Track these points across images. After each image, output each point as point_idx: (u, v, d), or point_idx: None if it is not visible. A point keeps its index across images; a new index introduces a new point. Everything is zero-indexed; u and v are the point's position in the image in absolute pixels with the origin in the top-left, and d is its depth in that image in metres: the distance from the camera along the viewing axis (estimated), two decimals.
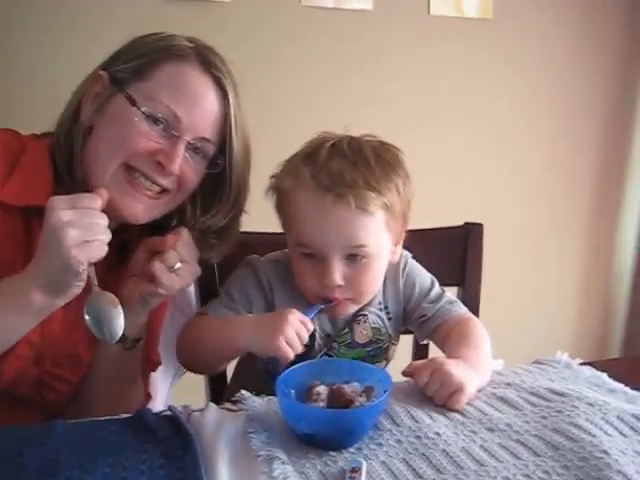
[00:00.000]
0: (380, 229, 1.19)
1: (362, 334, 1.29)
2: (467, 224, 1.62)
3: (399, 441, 0.97)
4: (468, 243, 1.61)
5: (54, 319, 1.17)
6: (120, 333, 1.04)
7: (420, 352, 1.55)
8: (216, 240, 1.27)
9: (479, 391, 1.13)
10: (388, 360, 1.36)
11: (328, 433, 0.94)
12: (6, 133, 1.23)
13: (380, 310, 1.31)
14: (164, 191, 1.19)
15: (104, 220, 1.02)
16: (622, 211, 2.85)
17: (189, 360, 1.27)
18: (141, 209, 1.17)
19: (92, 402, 1.25)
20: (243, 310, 1.25)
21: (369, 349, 1.30)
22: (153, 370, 1.40)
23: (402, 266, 1.33)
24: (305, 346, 1.18)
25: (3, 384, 1.16)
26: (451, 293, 1.57)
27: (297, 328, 1.10)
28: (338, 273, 1.17)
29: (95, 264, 1.03)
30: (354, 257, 1.18)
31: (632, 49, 2.70)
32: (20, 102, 1.95)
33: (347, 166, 1.15)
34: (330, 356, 1.28)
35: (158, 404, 1.53)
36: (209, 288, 1.41)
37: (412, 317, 1.34)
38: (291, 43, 2.24)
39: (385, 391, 1.00)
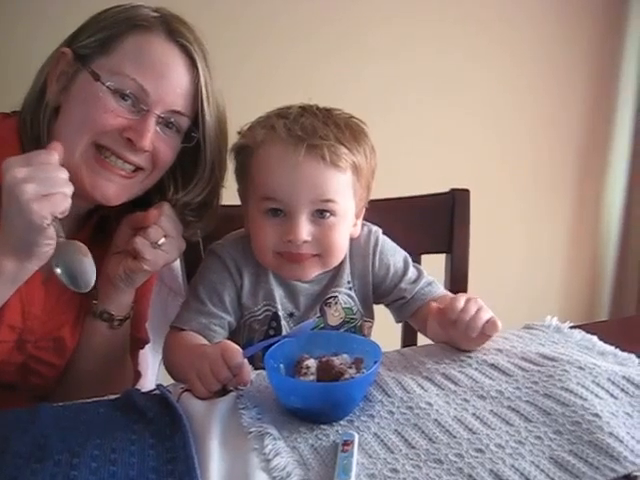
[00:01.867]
0: (348, 189, 1.17)
1: (334, 316, 1.26)
2: (453, 190, 1.60)
3: (391, 412, 0.97)
4: (455, 210, 1.59)
5: (35, 301, 1.15)
6: (93, 279, 1.00)
7: (410, 337, 1.55)
8: (194, 217, 1.24)
9: (469, 357, 1.12)
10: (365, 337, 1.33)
11: (319, 406, 0.94)
12: None
13: (350, 289, 1.28)
14: (138, 169, 1.15)
15: (63, 173, 0.98)
16: (608, 173, 2.82)
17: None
18: (114, 189, 1.13)
19: (80, 384, 1.23)
20: (215, 309, 1.22)
21: (343, 330, 1.27)
22: (141, 348, 1.39)
23: (372, 243, 1.30)
24: (272, 328, 1.19)
25: None
26: (438, 262, 1.60)
27: (214, 364, 0.98)
28: (305, 228, 1.14)
29: (62, 220, 0.99)
30: (321, 214, 1.16)
31: (614, 14, 2.65)
32: None
33: (319, 123, 1.14)
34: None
35: (148, 382, 1.53)
36: (195, 264, 1.37)
37: (388, 298, 1.32)
38: (273, 22, 2.18)
39: (375, 362, 0.99)
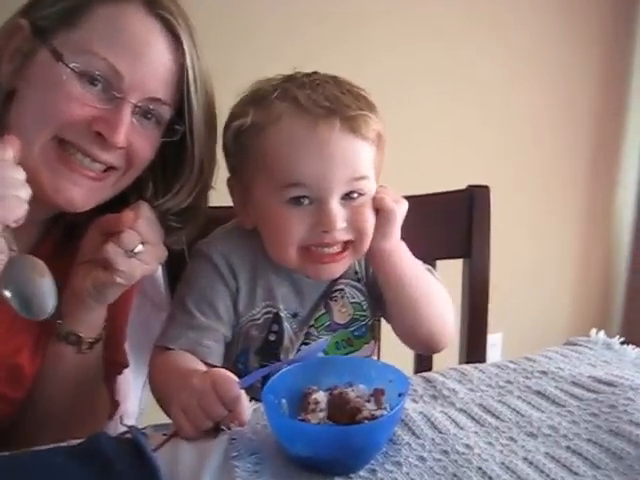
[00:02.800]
0: (373, 162, 1.06)
1: (341, 313, 1.10)
2: (471, 187, 1.44)
3: (422, 458, 0.78)
4: (473, 209, 1.43)
5: None
6: (51, 305, 0.85)
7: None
8: (178, 223, 1.07)
9: (509, 382, 0.95)
10: (376, 339, 1.18)
11: (332, 455, 0.75)
12: None
13: (358, 281, 1.13)
14: (110, 169, 0.99)
15: (18, 173, 0.84)
16: (619, 175, 2.79)
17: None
18: (80, 194, 0.97)
19: (44, 422, 1.06)
20: (206, 320, 1.04)
21: (352, 329, 1.11)
22: (119, 373, 1.22)
23: None
24: (274, 333, 1.05)
25: None
26: (454, 268, 1.45)
27: (205, 399, 0.82)
28: (340, 212, 1.00)
29: (17, 231, 0.85)
30: (351, 195, 1.02)
31: (625, 15, 2.64)
32: None
33: (335, 91, 1.01)
34: (308, 345, 1.08)
35: (131, 409, 1.39)
36: (178, 271, 1.18)
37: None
38: (270, 14, 2.09)
39: (400, 394, 0.81)
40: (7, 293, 0.82)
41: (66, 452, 0.80)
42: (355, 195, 1.01)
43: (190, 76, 0.99)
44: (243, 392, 0.83)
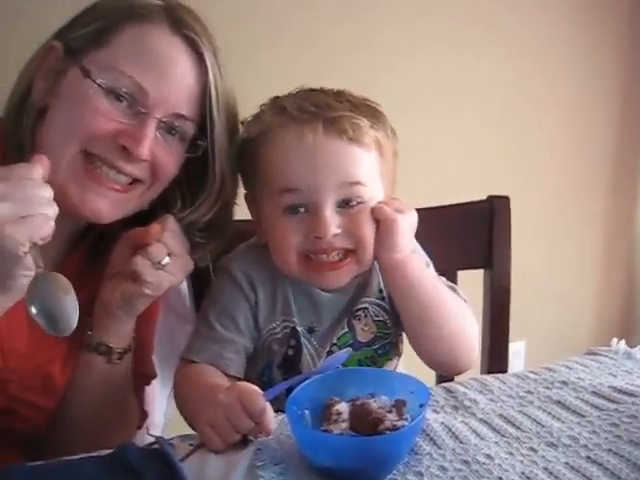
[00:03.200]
0: (374, 170, 1.04)
1: (364, 331, 1.09)
2: (491, 197, 1.44)
3: (443, 468, 0.79)
4: (494, 219, 1.43)
5: (16, 336, 1.00)
6: (75, 321, 0.85)
7: None
8: (203, 239, 1.09)
9: (529, 393, 0.95)
10: (400, 355, 1.17)
11: (354, 465, 0.77)
12: None
13: (382, 299, 1.11)
14: (135, 181, 1.01)
15: (46, 191, 0.85)
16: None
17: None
18: (107, 206, 0.99)
19: (75, 430, 1.08)
20: (227, 332, 1.05)
21: (376, 347, 1.10)
22: (147, 384, 1.24)
23: None
24: (292, 347, 1.05)
25: None
26: (475, 278, 1.45)
27: (232, 412, 0.83)
28: (333, 219, 0.99)
29: (44, 246, 0.85)
30: (348, 202, 1.01)
31: None
32: None
33: (331, 100, 1.03)
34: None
35: (156, 420, 1.40)
36: (203, 286, 1.21)
37: None
38: (286, 23, 2.08)
39: (421, 405, 0.82)
40: (33, 310, 0.83)
41: (96, 462, 0.82)
42: (353, 202, 1.01)
43: (213, 94, 1.01)
44: (268, 404, 0.84)
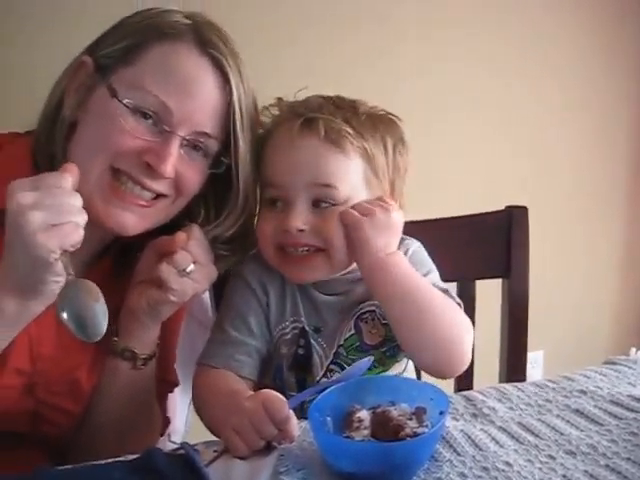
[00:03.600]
0: (357, 178, 1.05)
1: (372, 334, 1.10)
2: (510, 208, 1.45)
3: (463, 475, 0.80)
4: (512, 229, 1.43)
5: (45, 341, 1.02)
6: (104, 327, 0.87)
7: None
8: (227, 251, 1.11)
9: (548, 401, 0.96)
10: (408, 357, 1.16)
11: (376, 471, 0.78)
12: None
13: None
14: (159, 196, 1.03)
15: (76, 200, 0.87)
16: None
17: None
18: (132, 219, 1.01)
19: (100, 434, 1.10)
20: (239, 335, 1.08)
21: (384, 349, 1.10)
22: (170, 391, 1.26)
23: (402, 252, 1.13)
24: (302, 347, 1.07)
25: None
26: (493, 288, 1.45)
27: (256, 419, 0.85)
28: (301, 215, 1.02)
29: (73, 254, 0.87)
30: (320, 203, 1.03)
31: None
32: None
33: (328, 104, 1.05)
34: (338, 364, 1.09)
35: (177, 427, 1.41)
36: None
37: None
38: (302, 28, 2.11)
39: (441, 412, 0.83)
40: (64, 315, 0.84)
41: (123, 466, 0.84)
42: (323, 204, 1.03)
43: (237, 113, 1.03)
44: (292, 411, 0.86)
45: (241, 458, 0.85)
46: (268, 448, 0.86)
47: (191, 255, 1.02)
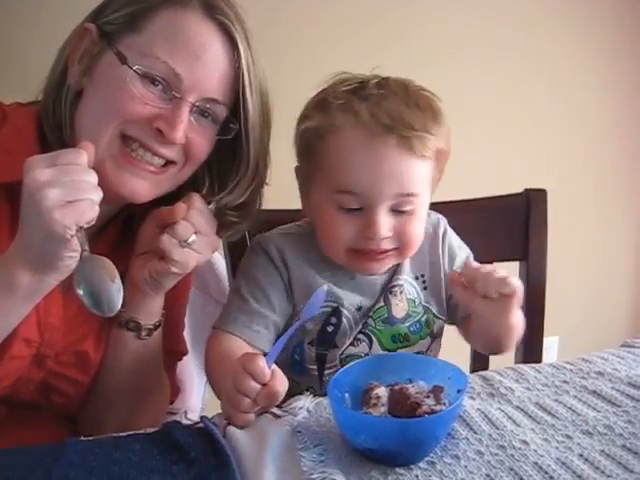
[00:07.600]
0: (428, 178, 1.08)
1: (399, 307, 1.13)
2: (528, 190, 1.44)
3: (479, 452, 0.80)
4: (530, 212, 1.43)
5: (53, 312, 1.03)
6: (119, 303, 0.88)
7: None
8: (236, 217, 1.11)
9: (565, 382, 0.97)
10: (434, 336, 1.18)
11: (394, 446, 0.78)
12: None
13: (415, 279, 1.16)
14: (169, 163, 1.02)
15: (92, 177, 0.87)
16: None
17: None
18: (145, 186, 1.01)
19: (109, 403, 1.11)
20: (259, 306, 1.09)
21: (408, 324, 1.14)
22: (179, 360, 1.26)
23: (442, 232, 1.19)
24: (332, 325, 1.08)
25: (3, 390, 1.02)
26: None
27: (236, 377, 0.87)
28: (386, 223, 1.04)
29: (87, 230, 0.88)
30: (401, 207, 1.05)
31: None
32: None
33: (401, 105, 1.03)
34: (365, 334, 1.11)
35: (194, 405, 1.42)
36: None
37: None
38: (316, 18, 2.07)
39: (459, 391, 0.84)
40: (80, 291, 0.85)
41: (144, 438, 0.85)
42: (404, 209, 1.04)
43: (245, 79, 1.02)
44: (276, 367, 0.87)
45: (237, 426, 0.86)
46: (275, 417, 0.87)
47: (192, 225, 1.02)
